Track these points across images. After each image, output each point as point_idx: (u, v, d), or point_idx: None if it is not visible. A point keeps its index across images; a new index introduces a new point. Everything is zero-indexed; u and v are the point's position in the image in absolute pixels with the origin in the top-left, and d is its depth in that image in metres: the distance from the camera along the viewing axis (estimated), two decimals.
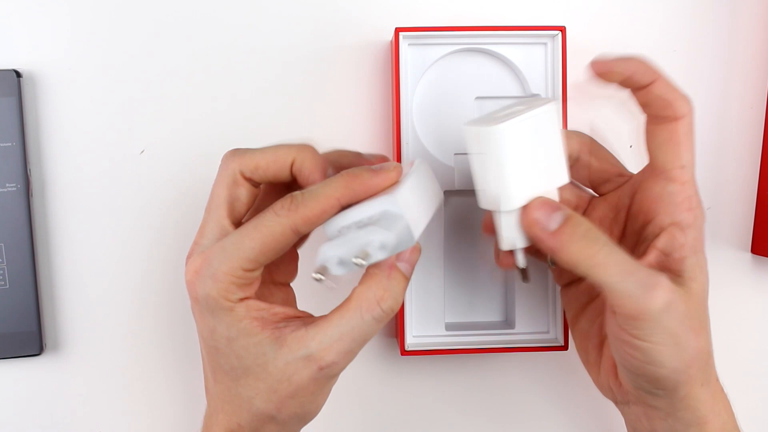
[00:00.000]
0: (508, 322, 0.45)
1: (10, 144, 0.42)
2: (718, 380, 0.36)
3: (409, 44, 0.42)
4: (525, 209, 0.33)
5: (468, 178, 0.43)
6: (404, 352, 0.42)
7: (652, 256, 0.34)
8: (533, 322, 0.43)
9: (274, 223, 0.31)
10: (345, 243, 0.32)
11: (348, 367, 0.45)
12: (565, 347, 0.43)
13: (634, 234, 0.36)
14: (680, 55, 0.46)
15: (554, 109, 0.33)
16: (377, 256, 0.32)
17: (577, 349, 0.40)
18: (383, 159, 0.36)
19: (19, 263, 0.43)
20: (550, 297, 0.44)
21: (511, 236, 0.34)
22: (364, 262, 0.31)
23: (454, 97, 0.43)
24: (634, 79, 0.33)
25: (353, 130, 0.45)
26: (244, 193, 0.34)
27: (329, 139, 0.44)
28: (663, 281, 0.32)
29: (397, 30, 0.41)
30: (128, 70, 0.44)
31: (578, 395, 0.47)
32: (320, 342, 0.32)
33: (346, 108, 0.45)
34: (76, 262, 0.44)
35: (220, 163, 0.35)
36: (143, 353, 0.45)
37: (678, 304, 0.32)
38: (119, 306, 0.45)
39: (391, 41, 0.42)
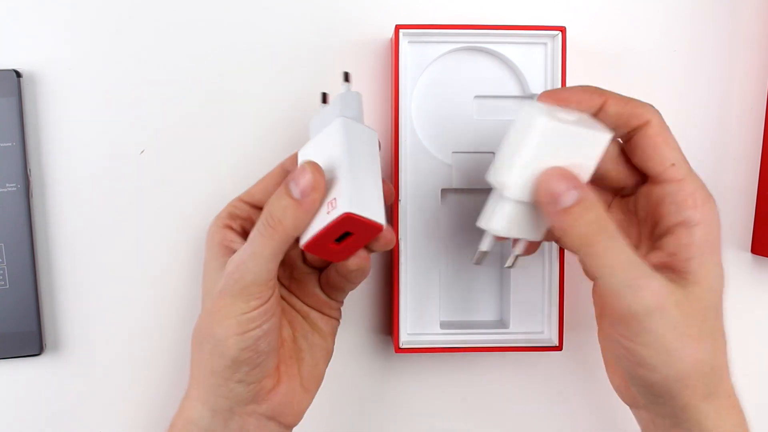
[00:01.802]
0: (502, 322, 0.45)
1: (10, 144, 0.42)
2: (732, 395, 0.34)
3: (409, 42, 0.42)
4: (544, 175, 0.32)
5: (465, 176, 0.43)
6: (398, 350, 0.42)
7: (656, 256, 0.33)
8: (528, 322, 0.43)
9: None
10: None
11: (342, 364, 0.46)
12: (559, 348, 0.43)
13: (647, 240, 0.35)
14: (680, 55, 0.46)
15: (606, 139, 0.33)
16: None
17: (601, 349, 0.38)
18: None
19: (19, 263, 0.43)
20: (545, 297, 0.44)
21: (500, 220, 0.34)
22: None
23: (453, 95, 0.43)
24: (583, 106, 0.33)
25: None
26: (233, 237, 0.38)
27: None
28: (653, 283, 0.30)
29: (398, 27, 0.41)
30: (128, 70, 0.44)
31: (572, 396, 0.47)
32: (231, 260, 0.34)
33: None
34: (76, 262, 0.44)
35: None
36: (143, 353, 0.45)
37: (670, 308, 0.30)
38: (119, 306, 0.45)
39: (392, 38, 0.42)
